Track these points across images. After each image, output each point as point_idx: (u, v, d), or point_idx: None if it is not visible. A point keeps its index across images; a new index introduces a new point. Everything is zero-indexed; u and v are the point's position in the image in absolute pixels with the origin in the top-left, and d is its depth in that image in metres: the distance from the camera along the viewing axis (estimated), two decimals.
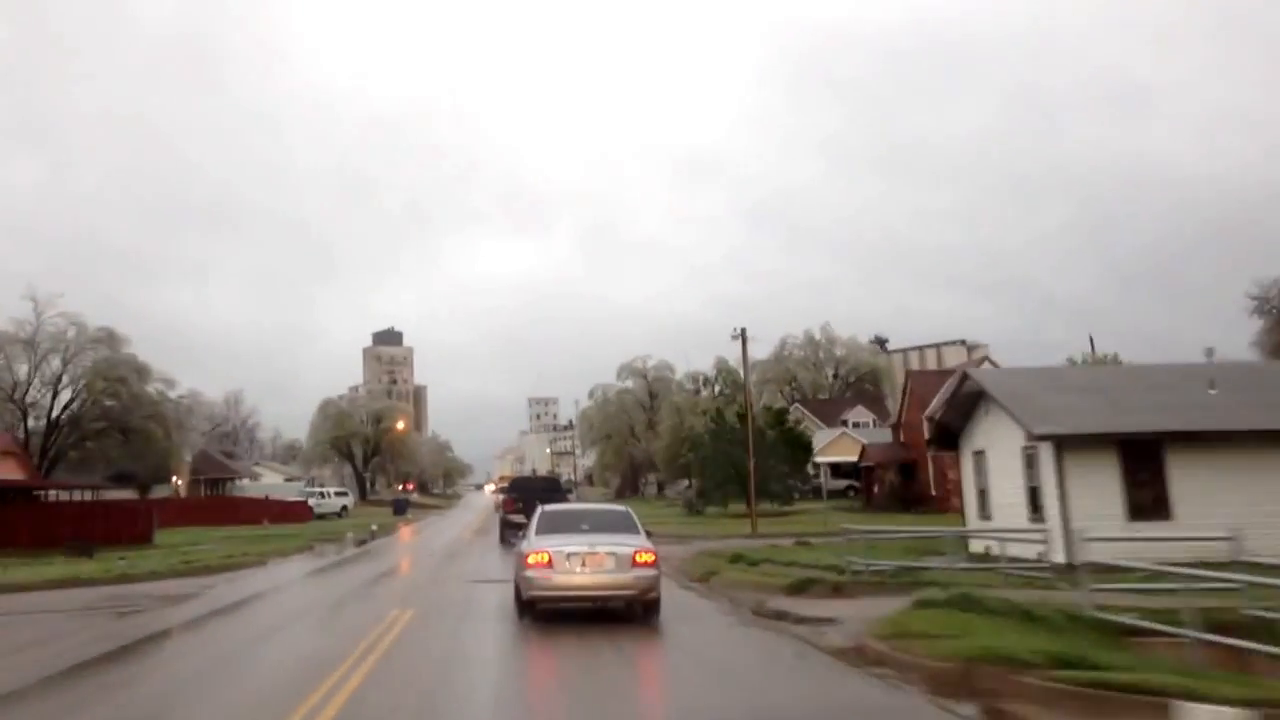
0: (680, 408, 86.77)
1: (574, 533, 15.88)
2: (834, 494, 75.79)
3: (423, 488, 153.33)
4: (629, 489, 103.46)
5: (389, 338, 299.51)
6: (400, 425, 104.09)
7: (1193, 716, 6.73)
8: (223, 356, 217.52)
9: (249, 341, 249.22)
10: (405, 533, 56.76)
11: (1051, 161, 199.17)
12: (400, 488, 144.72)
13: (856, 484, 78.30)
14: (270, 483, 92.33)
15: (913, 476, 62.39)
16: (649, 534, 16.69)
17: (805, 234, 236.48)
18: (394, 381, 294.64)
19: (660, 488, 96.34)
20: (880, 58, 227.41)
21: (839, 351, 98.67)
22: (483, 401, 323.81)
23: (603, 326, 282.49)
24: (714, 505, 61.59)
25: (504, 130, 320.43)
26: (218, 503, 69.17)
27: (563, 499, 36.68)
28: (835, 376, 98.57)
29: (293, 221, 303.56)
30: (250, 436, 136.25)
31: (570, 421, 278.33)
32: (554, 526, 16.37)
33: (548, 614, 15.67)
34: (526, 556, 15.29)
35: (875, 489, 64.35)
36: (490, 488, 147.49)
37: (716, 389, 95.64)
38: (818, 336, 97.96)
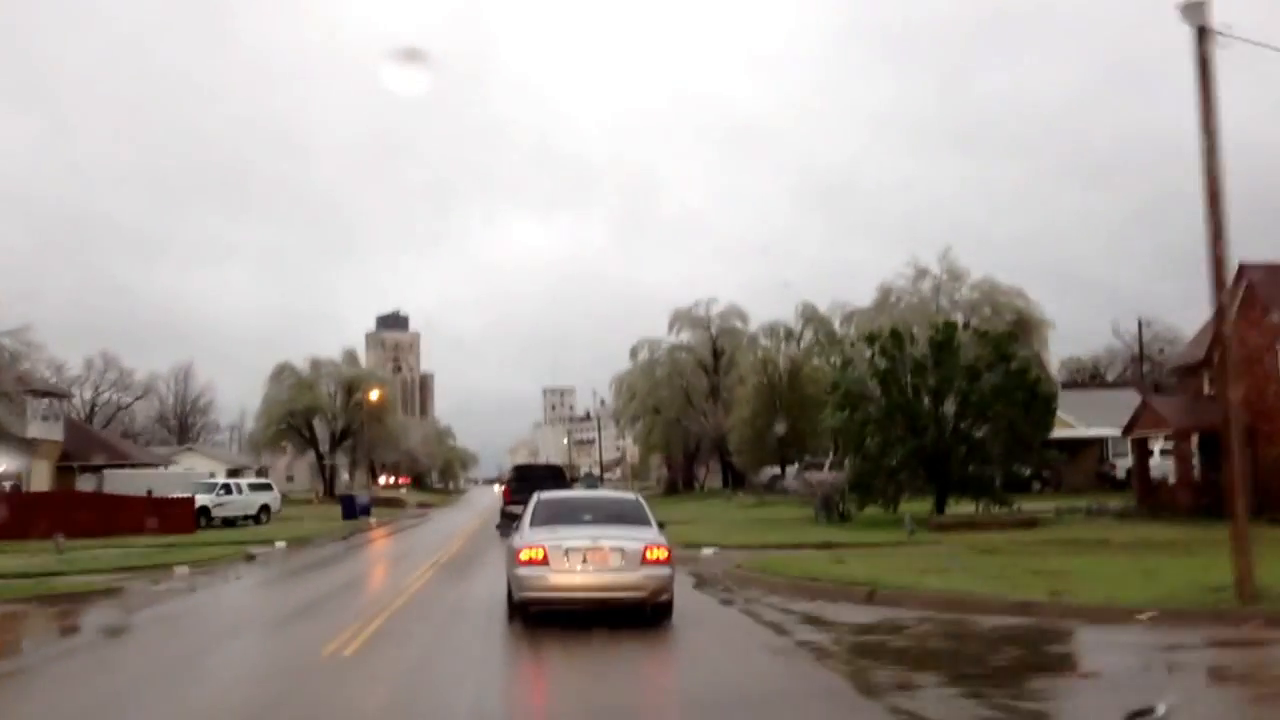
0: (767, 361, 58.14)
1: (575, 524, 13.13)
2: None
3: (418, 481, 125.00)
4: (682, 480, 74.75)
5: (394, 322, 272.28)
6: (375, 395, 75.99)
7: None
8: (220, 339, 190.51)
9: (248, 323, 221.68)
10: (320, 563, 28.39)
11: (1123, 137, 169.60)
12: (390, 481, 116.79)
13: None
14: (186, 471, 63.89)
15: (1213, 455, 33.98)
16: (662, 525, 13.72)
17: (853, 213, 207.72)
18: (399, 369, 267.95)
19: (735, 477, 67.54)
20: (956, 19, 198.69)
21: (967, 292, 69.73)
22: (496, 393, 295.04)
23: (628, 313, 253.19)
24: (872, 505, 33.60)
25: (537, 95, 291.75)
26: (33, 502, 41.11)
27: (566, 488, 31.04)
28: (967, 326, 69.78)
29: (304, 194, 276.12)
30: (201, 417, 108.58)
31: (588, 412, 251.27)
32: (552, 517, 13.50)
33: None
34: (519, 552, 12.66)
35: (1169, 478, 35.94)
36: (499, 486, 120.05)
37: (800, 344, 67.32)
38: (935, 270, 69.19)
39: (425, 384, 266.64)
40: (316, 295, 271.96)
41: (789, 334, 68.81)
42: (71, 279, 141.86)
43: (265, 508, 48.05)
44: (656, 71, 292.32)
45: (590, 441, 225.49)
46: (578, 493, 21.25)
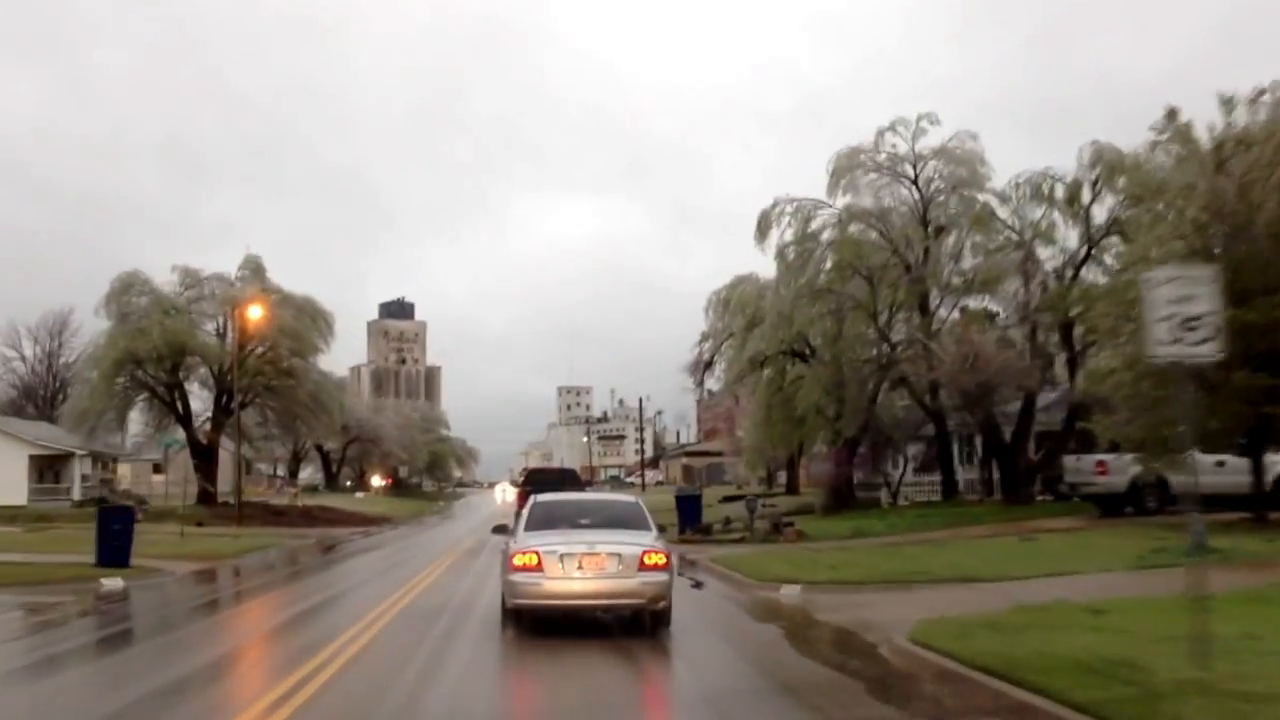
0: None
1: (571, 528, 11.87)
2: None
3: (398, 482, 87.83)
4: (842, 482, 36.56)
5: (398, 310, 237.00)
6: (256, 312, 39.54)
7: None
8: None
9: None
10: None
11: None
12: (368, 481, 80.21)
13: None
14: None
15: None
16: (661, 529, 12.60)
17: None
18: (402, 361, 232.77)
19: (1014, 476, 30.01)
20: None
21: None
22: (510, 393, 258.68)
23: (660, 311, 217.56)
24: None
25: (588, 61, 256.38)
26: None
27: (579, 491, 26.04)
28: None
29: (333, 171, 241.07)
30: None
31: (605, 413, 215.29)
32: (547, 521, 12.16)
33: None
34: (512, 557, 11.34)
35: None
36: (501, 488, 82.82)
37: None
38: None
39: (431, 377, 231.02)
40: (331, 279, 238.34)
41: (1071, 189, 32.33)
42: (74, 254, 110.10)
43: None
44: (717, 45, 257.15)
45: (618, 437, 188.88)
46: (575, 495, 17.39)
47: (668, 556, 11.56)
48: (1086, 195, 32.05)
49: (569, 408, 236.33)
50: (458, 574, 19.59)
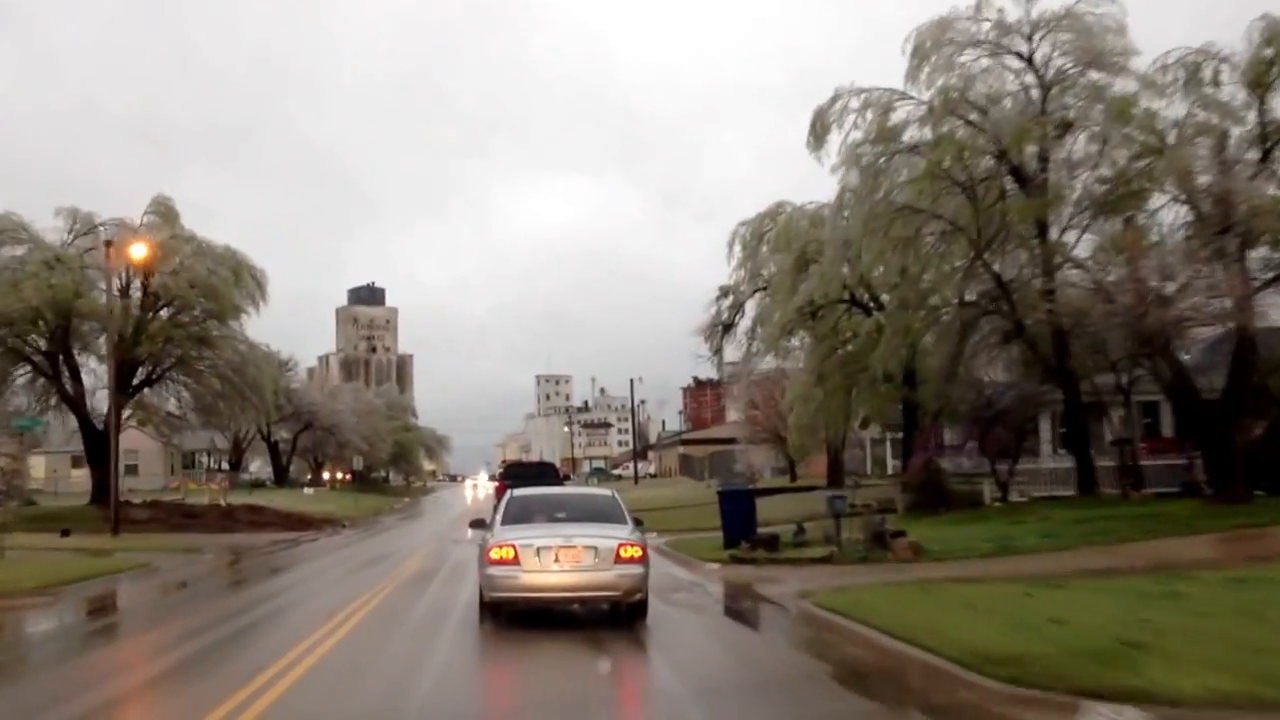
0: None
1: (548, 522, 11.95)
2: None
3: (358, 475, 78.21)
4: (933, 472, 27.59)
5: (368, 296, 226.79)
6: (140, 250, 30.52)
7: None
8: None
9: None
10: None
11: None
12: (329, 476, 70.69)
13: None
14: None
15: None
16: (639, 522, 12.19)
17: None
18: (373, 349, 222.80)
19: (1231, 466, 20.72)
20: None
21: None
22: (488, 385, 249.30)
23: (646, 300, 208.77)
24: None
25: (575, 38, 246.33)
26: None
27: (557, 485, 26.59)
28: None
29: (308, 152, 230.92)
30: None
31: (586, 403, 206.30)
32: (524, 515, 12.19)
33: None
34: (489, 551, 11.30)
35: None
36: (472, 483, 74.26)
37: None
38: None
39: (404, 365, 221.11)
40: (304, 265, 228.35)
41: (1255, 70, 23.59)
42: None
43: None
44: (709, 22, 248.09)
45: (603, 426, 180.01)
46: (552, 490, 17.54)
47: (643, 549, 11.33)
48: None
49: (548, 397, 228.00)
50: (380, 633, 10.74)
